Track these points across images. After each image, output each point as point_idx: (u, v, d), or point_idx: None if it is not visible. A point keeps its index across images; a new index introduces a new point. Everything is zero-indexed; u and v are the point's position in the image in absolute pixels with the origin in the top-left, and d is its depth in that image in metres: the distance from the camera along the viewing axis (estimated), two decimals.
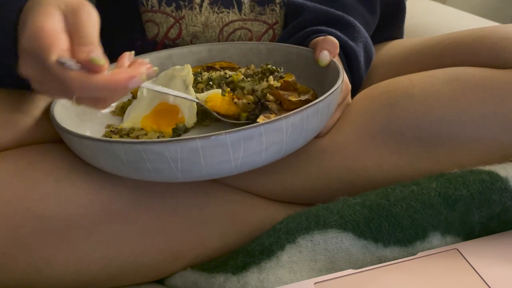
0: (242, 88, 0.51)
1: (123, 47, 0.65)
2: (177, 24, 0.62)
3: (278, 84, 0.50)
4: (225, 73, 0.54)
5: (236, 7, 0.61)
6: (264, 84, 0.50)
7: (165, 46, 0.63)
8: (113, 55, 0.66)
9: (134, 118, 0.51)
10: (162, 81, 0.53)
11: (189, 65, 0.52)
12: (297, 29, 0.60)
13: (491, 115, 0.46)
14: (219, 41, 0.63)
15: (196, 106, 0.49)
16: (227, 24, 0.62)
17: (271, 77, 0.51)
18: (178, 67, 0.53)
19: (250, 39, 0.63)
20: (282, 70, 0.53)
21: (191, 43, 0.63)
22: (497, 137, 0.47)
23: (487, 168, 0.46)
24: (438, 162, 0.48)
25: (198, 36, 0.63)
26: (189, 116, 0.49)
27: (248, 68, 0.56)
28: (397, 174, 0.49)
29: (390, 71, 0.60)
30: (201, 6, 0.61)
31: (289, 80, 0.50)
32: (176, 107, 0.50)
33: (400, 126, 0.48)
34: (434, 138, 0.48)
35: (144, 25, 0.62)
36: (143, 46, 0.63)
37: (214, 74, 0.54)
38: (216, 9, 0.61)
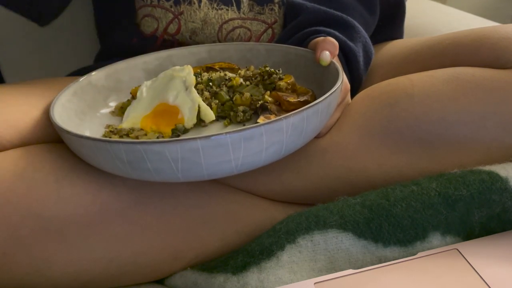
0: (241, 94, 0.51)
1: (120, 45, 0.65)
2: (176, 19, 0.61)
3: (272, 100, 0.50)
4: (225, 75, 0.54)
5: (234, 4, 0.61)
6: (261, 92, 0.51)
7: (164, 41, 0.63)
8: (110, 53, 0.67)
9: (133, 118, 0.51)
10: (161, 81, 0.53)
11: (189, 66, 0.52)
12: (296, 29, 0.60)
13: (491, 115, 0.46)
14: (218, 38, 0.63)
15: (197, 107, 0.49)
16: (226, 22, 0.62)
17: (268, 92, 0.51)
18: (177, 67, 0.53)
19: (249, 38, 0.63)
20: (280, 71, 0.53)
21: (190, 39, 0.63)
22: (497, 137, 0.47)
23: (487, 168, 0.46)
24: (438, 162, 0.48)
25: (197, 33, 0.62)
26: (189, 117, 0.49)
27: (248, 69, 0.55)
28: (397, 174, 0.49)
29: (390, 71, 0.60)
30: (200, 1, 0.61)
31: (278, 93, 0.50)
32: (176, 107, 0.50)
33: (400, 126, 0.48)
34: (434, 138, 0.48)
35: (143, 20, 0.62)
36: (141, 42, 0.63)
37: (214, 75, 0.54)
38: (215, 5, 0.61)
